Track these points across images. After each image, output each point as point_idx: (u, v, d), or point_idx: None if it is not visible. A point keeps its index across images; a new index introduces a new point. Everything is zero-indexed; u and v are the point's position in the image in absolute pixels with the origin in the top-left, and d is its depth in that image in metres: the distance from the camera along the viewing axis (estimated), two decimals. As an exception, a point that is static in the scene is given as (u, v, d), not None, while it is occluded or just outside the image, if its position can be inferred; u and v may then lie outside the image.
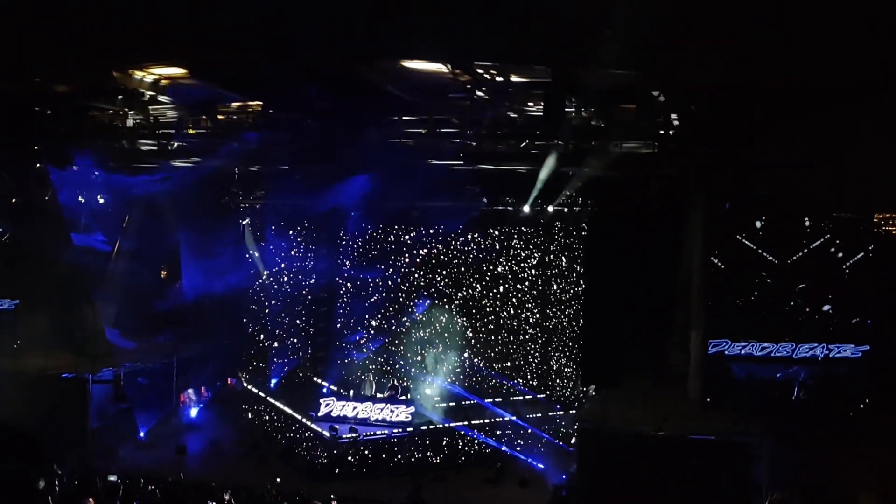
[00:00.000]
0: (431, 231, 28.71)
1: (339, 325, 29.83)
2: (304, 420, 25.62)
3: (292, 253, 30.04)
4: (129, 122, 24.21)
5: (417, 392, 27.24)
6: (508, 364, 28.57)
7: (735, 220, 21.67)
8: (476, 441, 25.02)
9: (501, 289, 28.66)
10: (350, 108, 21.58)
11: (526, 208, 25.76)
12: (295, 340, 30.19)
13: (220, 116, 24.01)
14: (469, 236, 28.60)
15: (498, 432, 25.33)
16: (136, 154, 24.94)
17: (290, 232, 29.92)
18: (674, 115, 21.58)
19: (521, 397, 27.72)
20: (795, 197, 21.64)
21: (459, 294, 28.96)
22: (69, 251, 27.90)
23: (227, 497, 18.49)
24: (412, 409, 25.43)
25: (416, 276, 29.12)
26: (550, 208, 25.88)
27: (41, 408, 23.16)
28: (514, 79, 20.57)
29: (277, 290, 30.14)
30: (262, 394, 28.45)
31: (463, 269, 28.87)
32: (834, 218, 21.26)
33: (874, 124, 19.08)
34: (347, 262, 29.76)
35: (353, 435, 24.23)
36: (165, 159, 25.18)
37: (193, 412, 28.51)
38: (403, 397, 26.29)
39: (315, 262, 30.03)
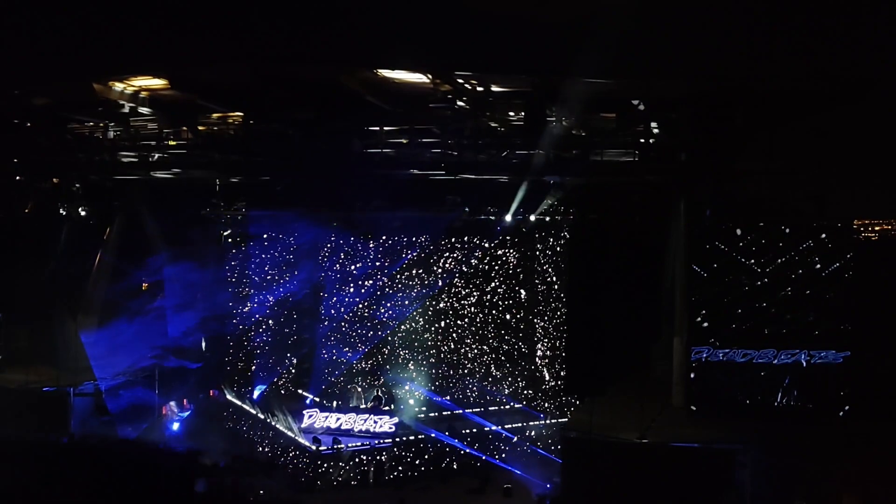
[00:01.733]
0: (414, 238, 28.59)
1: (321, 337, 29.67)
2: (287, 431, 25.49)
3: (274, 264, 29.86)
4: (110, 134, 24.12)
5: (401, 402, 27.18)
6: (493, 372, 28.49)
7: (716, 228, 21.73)
8: (460, 451, 24.98)
9: (482, 298, 28.61)
10: (331, 118, 21.59)
11: (508, 217, 25.74)
12: (278, 352, 30.00)
13: (200, 128, 23.97)
14: (448, 245, 28.49)
15: (482, 442, 25.31)
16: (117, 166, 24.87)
17: (272, 243, 29.72)
18: (654, 124, 21.73)
19: (505, 406, 27.68)
20: (775, 204, 21.76)
21: (438, 302, 28.89)
22: (51, 265, 27.67)
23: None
24: (396, 419, 25.38)
25: (400, 283, 28.99)
26: (532, 217, 25.85)
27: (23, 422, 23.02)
28: (494, 89, 20.64)
29: (259, 301, 29.94)
30: (245, 405, 28.26)
31: (445, 277, 28.79)
32: (814, 225, 21.34)
33: (852, 132, 19.26)
34: (330, 273, 29.62)
35: (338, 446, 24.17)
36: (146, 171, 25.06)
37: (175, 425, 28.26)
38: (387, 408, 26.22)
39: (297, 272, 29.82)
